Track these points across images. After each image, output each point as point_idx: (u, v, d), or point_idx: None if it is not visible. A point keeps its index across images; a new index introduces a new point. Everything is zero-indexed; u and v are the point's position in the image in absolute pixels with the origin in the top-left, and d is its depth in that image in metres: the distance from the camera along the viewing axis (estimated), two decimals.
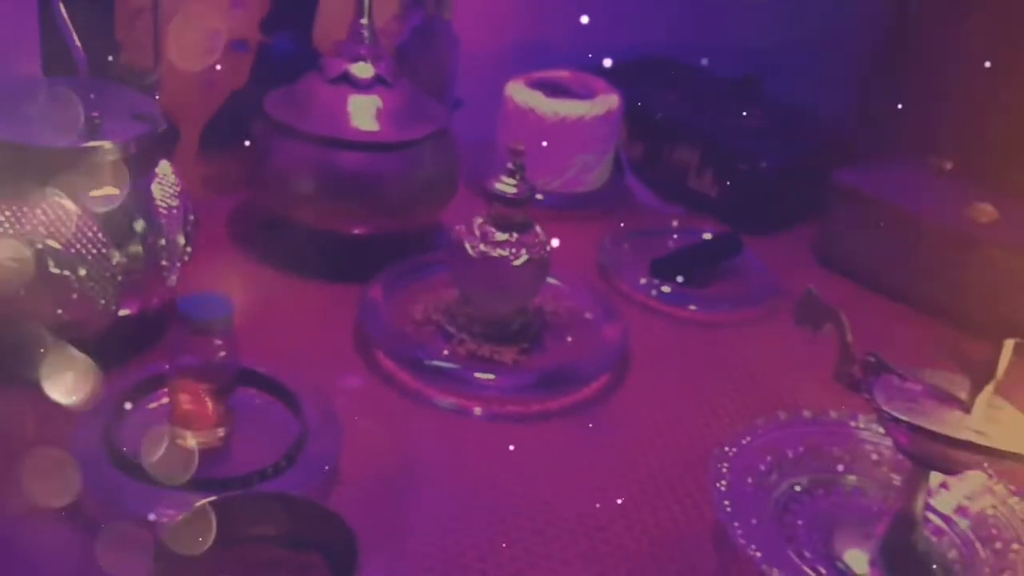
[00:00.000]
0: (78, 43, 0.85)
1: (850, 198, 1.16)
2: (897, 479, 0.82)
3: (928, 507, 0.78)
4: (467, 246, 0.92)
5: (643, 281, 1.08)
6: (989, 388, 0.69)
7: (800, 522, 0.79)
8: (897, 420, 0.69)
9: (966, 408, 0.70)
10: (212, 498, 0.66)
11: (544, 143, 1.19)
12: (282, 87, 1.06)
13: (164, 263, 0.88)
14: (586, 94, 1.25)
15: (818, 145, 1.28)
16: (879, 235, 1.13)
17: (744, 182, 1.24)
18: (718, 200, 1.26)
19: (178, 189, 0.90)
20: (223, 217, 1.09)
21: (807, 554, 0.76)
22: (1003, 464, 0.73)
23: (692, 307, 1.07)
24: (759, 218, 1.24)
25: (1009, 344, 0.67)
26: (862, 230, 1.15)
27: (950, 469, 0.72)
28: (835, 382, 0.75)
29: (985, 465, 0.74)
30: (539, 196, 1.19)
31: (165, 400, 0.81)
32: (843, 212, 1.18)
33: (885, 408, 0.70)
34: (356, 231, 1.03)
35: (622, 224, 1.20)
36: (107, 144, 0.82)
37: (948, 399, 0.71)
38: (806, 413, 0.87)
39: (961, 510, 0.80)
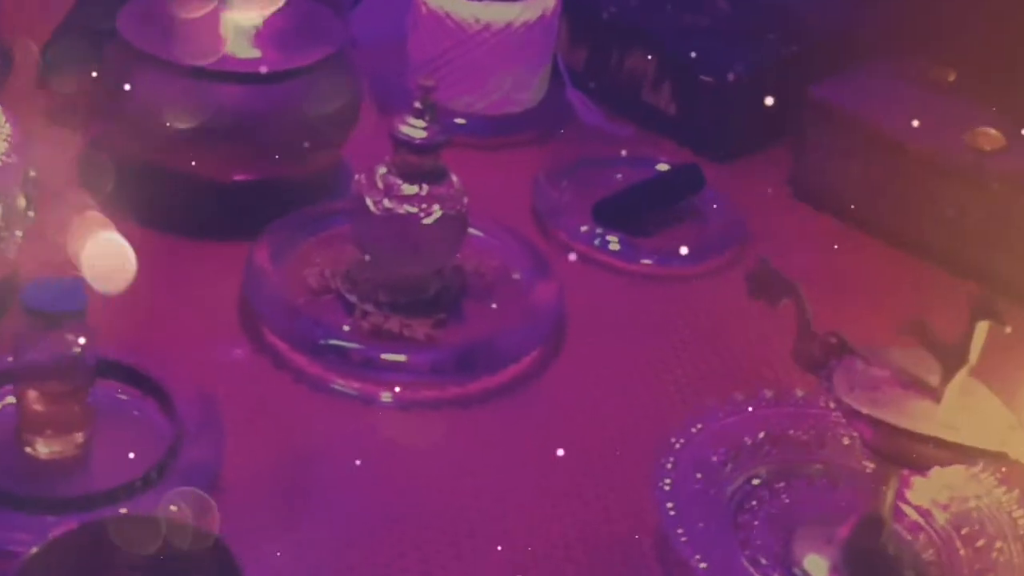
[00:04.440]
0: None
1: (828, 118, 1.21)
2: (872, 468, 0.89)
3: (903, 499, 0.86)
4: (369, 202, 0.96)
5: (584, 228, 1.13)
6: (962, 374, 0.75)
7: (757, 522, 0.86)
8: (857, 413, 0.76)
9: (937, 396, 0.76)
10: (72, 525, 0.71)
11: (465, 57, 1.23)
12: (137, 1, 1.08)
13: (1, 231, 0.91)
14: None
15: (796, 51, 1.33)
16: (863, 163, 1.19)
17: (708, 97, 1.29)
18: (677, 118, 1.31)
19: (13, 141, 0.93)
20: (71, 162, 1.12)
21: (763, 560, 0.83)
22: (975, 462, 0.81)
23: (645, 261, 1.12)
24: (725, 141, 1.29)
25: (983, 326, 0.73)
26: (842, 157, 1.21)
27: (918, 466, 0.79)
28: (793, 362, 0.82)
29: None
30: (460, 121, 1.25)
31: (11, 400, 0.85)
32: (820, 135, 1.22)
33: (845, 399, 0.76)
34: (237, 178, 1.07)
35: (560, 154, 1.24)
36: None
37: (917, 386, 0.77)
38: (767, 393, 0.93)
39: (940, 503, 0.88)
